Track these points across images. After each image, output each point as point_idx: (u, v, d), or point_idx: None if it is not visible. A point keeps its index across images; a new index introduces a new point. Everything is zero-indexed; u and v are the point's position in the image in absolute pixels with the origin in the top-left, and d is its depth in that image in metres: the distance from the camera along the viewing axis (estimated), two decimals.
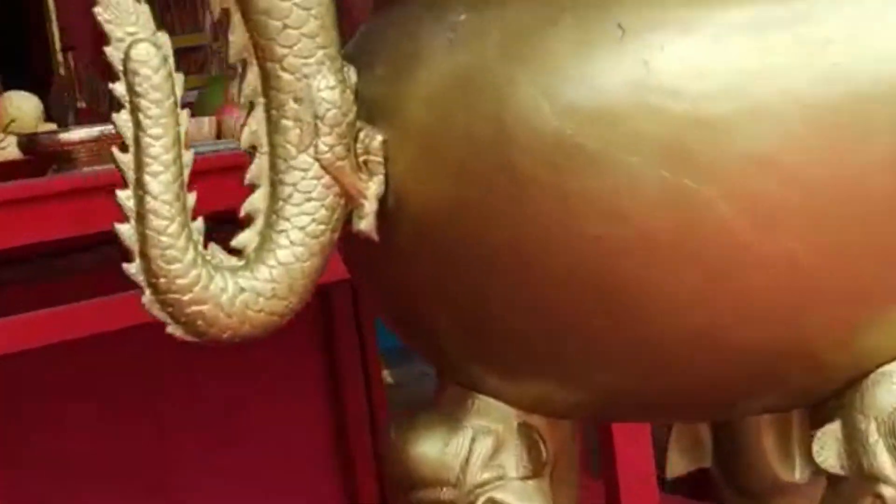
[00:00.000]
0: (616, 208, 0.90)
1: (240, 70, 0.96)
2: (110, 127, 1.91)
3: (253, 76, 0.96)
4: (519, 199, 0.93)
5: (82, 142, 1.84)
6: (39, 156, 1.90)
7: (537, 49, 0.93)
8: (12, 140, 2.05)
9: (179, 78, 0.93)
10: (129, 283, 0.93)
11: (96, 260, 1.90)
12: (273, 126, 0.96)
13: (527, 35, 0.94)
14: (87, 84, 1.89)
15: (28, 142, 1.89)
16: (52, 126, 2.12)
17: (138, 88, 0.90)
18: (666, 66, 0.89)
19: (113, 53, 0.90)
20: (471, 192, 0.95)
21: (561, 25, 0.92)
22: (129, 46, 0.90)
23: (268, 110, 0.96)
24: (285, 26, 0.94)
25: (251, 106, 0.97)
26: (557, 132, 0.91)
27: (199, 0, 4.65)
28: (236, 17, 0.94)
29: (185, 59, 4.80)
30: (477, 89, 0.94)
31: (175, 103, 0.91)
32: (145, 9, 0.91)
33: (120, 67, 0.90)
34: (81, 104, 1.90)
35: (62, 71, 1.93)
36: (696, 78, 0.88)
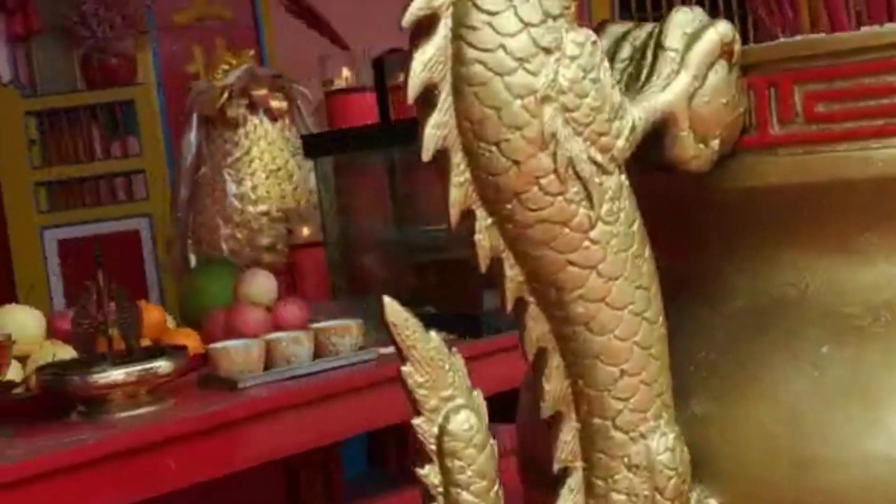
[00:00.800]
0: None
1: (549, 425, 0.72)
2: (152, 365, 1.64)
3: (570, 435, 0.72)
4: None
5: (118, 385, 1.55)
6: (62, 395, 1.60)
7: None
8: (18, 367, 1.72)
9: (495, 447, 0.68)
10: None
11: None
12: (598, 500, 0.72)
13: None
14: (119, 308, 1.61)
15: (53, 381, 1.58)
16: (56, 345, 1.81)
17: (459, 477, 0.65)
18: None
19: (424, 428, 0.65)
20: None
21: None
22: (446, 419, 0.65)
23: (589, 479, 0.72)
24: (623, 373, 0.71)
25: (565, 472, 0.72)
26: None
27: (87, 127, 4.31)
28: (555, 361, 0.71)
29: (74, 191, 4.41)
30: (865, 458, 0.72)
31: (499, 493, 0.67)
32: (459, 361, 0.67)
33: (432, 446, 0.65)
34: (112, 331, 1.61)
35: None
36: None
